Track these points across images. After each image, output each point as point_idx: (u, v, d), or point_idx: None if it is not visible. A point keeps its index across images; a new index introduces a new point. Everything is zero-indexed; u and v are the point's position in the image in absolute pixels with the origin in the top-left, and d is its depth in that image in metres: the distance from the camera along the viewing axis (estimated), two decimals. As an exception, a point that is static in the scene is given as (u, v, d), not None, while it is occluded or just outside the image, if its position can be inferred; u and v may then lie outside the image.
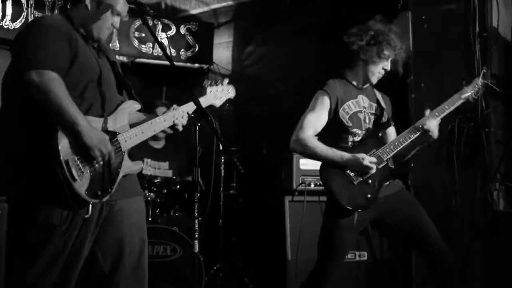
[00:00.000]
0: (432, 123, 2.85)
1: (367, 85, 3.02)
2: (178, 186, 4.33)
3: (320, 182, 4.10)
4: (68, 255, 2.19)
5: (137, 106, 2.45)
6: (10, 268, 2.15)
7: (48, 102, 2.09)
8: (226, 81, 2.76)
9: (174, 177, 4.39)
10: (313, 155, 2.85)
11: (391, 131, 3.05)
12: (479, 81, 3.04)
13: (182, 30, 5.58)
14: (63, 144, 2.10)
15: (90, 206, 2.17)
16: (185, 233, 3.85)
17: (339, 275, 2.90)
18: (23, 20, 4.75)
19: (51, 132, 2.09)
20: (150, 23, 2.46)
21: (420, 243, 2.86)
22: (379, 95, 3.07)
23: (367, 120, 2.95)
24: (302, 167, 4.19)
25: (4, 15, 4.65)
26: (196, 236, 2.39)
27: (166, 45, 5.42)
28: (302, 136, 2.84)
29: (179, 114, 2.47)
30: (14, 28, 4.69)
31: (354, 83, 3.00)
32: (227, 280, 4.42)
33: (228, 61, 5.79)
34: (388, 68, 2.95)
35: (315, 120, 2.87)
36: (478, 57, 3.73)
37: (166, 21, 5.53)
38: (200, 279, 3.78)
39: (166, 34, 5.48)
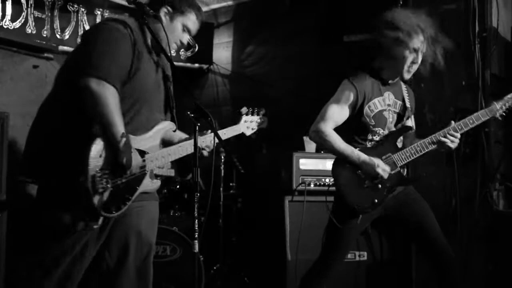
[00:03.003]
0: (453, 137, 2.79)
1: (397, 79, 2.92)
2: (178, 186, 4.33)
3: (320, 182, 4.18)
4: (74, 257, 2.20)
5: (173, 127, 2.46)
6: (15, 267, 2.17)
7: (99, 113, 2.09)
8: (262, 111, 2.85)
9: (174, 177, 4.39)
10: (330, 149, 2.81)
11: (411, 133, 3.00)
12: (510, 96, 2.92)
13: (182, 30, 5.57)
14: (95, 156, 2.08)
15: (101, 218, 2.17)
16: (185, 233, 3.85)
17: (339, 275, 2.91)
18: (23, 20, 4.74)
19: (87, 140, 2.08)
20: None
21: (423, 242, 2.85)
22: (405, 91, 2.98)
23: (390, 119, 2.88)
24: (302, 167, 4.18)
25: (4, 15, 4.64)
26: (196, 236, 2.39)
27: (166, 45, 5.41)
28: (322, 128, 2.78)
29: (206, 140, 2.51)
30: (14, 28, 4.69)
31: (384, 77, 2.89)
32: (227, 280, 4.42)
33: (228, 61, 5.79)
34: (419, 61, 2.80)
35: (338, 113, 2.80)
36: (478, 57, 3.73)
37: (166, 21, 5.52)
38: (200, 279, 3.78)
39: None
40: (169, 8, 2.39)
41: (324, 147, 2.86)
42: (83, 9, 5.10)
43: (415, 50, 2.76)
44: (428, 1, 4.05)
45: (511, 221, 3.59)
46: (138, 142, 2.28)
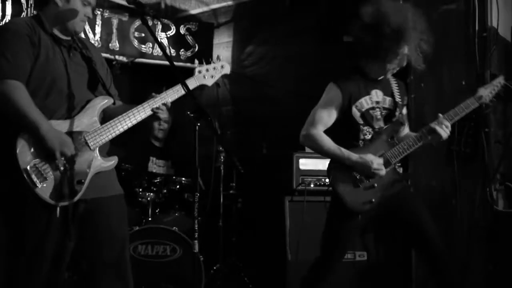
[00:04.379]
0: (445, 127, 2.76)
1: (382, 77, 2.93)
2: (178, 186, 4.33)
3: (320, 182, 4.18)
4: (45, 256, 2.20)
5: (108, 101, 2.44)
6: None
7: (9, 109, 2.14)
8: (218, 57, 2.71)
9: (174, 177, 4.39)
10: (321, 152, 2.83)
11: (404, 129, 3.00)
12: (499, 80, 2.88)
13: (182, 30, 5.57)
14: (22, 151, 2.14)
15: (58, 208, 2.19)
16: (185, 233, 3.85)
17: (339, 275, 2.91)
18: (23, 20, 4.75)
19: (11, 139, 2.13)
20: (150, 23, 2.47)
21: (419, 242, 2.85)
22: (394, 85, 2.96)
23: (379, 117, 2.88)
24: (302, 167, 4.19)
25: (3, 15, 4.64)
26: (196, 236, 2.39)
27: (166, 45, 5.41)
28: (312, 132, 2.82)
29: (158, 101, 2.41)
30: (14, 28, 4.69)
31: (370, 75, 2.90)
32: (227, 280, 4.42)
33: (228, 61, 5.77)
34: (404, 64, 2.84)
35: (326, 116, 2.83)
36: (478, 57, 3.72)
37: (166, 21, 5.52)
38: (200, 279, 3.78)
39: (166, 34, 5.48)
40: None
41: (315, 150, 2.87)
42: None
43: (404, 54, 2.76)
44: (428, 1, 4.05)
45: (511, 221, 3.59)
46: (70, 124, 2.28)
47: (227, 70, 2.69)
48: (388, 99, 2.92)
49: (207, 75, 2.63)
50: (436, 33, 3.96)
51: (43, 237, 2.19)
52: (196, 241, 2.39)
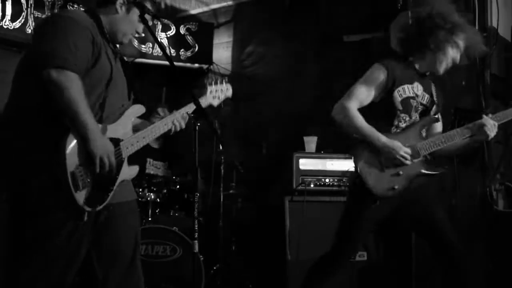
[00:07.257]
0: (490, 123, 2.74)
1: (429, 73, 2.90)
2: (178, 186, 4.33)
3: (320, 182, 4.18)
4: (63, 259, 2.17)
5: (142, 110, 2.44)
6: (7, 268, 2.15)
7: (63, 102, 2.05)
8: (226, 79, 2.78)
9: (174, 177, 4.39)
10: (351, 126, 2.72)
11: (437, 127, 2.94)
12: None
13: (182, 30, 5.58)
14: (71, 152, 2.05)
15: (86, 213, 2.15)
16: (185, 233, 3.85)
17: (339, 275, 2.90)
18: (23, 20, 4.75)
19: (60, 137, 2.05)
20: (150, 23, 2.46)
21: (435, 241, 2.81)
22: (433, 89, 2.95)
23: (417, 109, 2.84)
24: (302, 167, 4.18)
25: (3, 15, 4.65)
26: (196, 236, 2.39)
27: (166, 45, 5.42)
28: (347, 105, 2.72)
29: (179, 117, 2.47)
30: (14, 28, 4.69)
31: (417, 67, 2.87)
32: (226, 280, 4.42)
33: (228, 61, 5.79)
34: (458, 60, 2.82)
35: (365, 93, 2.75)
36: (478, 57, 3.72)
37: (166, 21, 5.52)
38: (200, 279, 3.78)
39: (166, 34, 5.48)
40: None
41: (345, 124, 2.74)
42: (83, 9, 5.10)
43: (459, 48, 2.79)
44: (428, 1, 4.04)
45: (511, 221, 3.59)
46: (112, 130, 2.24)
47: (229, 93, 2.79)
48: (426, 96, 2.89)
49: (215, 96, 2.74)
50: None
51: (66, 242, 2.15)
52: (196, 241, 2.39)
